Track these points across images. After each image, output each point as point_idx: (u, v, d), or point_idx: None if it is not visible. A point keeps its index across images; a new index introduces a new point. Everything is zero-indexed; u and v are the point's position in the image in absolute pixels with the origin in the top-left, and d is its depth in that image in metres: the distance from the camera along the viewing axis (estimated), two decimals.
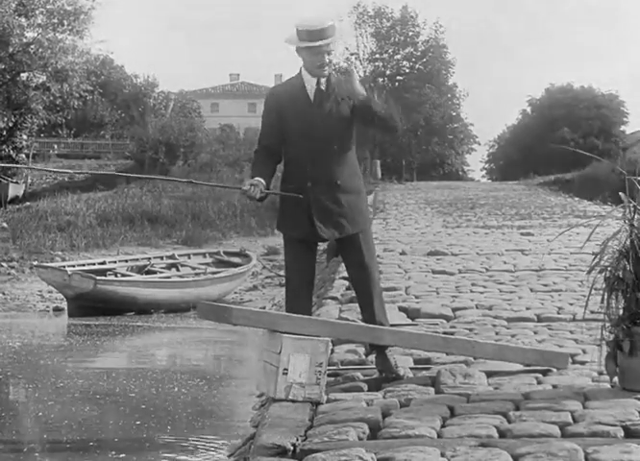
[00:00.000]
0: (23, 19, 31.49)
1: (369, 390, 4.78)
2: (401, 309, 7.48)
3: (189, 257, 19.55)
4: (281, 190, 5.08)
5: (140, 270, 18.19)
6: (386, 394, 4.61)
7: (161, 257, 19.41)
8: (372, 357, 5.58)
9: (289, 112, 4.98)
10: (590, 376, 4.83)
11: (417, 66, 59.47)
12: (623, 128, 52.19)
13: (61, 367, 10.09)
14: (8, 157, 32.26)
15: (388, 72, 60.38)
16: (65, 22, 31.87)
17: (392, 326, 6.33)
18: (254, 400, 6.14)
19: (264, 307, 14.23)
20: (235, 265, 18.82)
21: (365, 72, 60.25)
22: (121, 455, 5.67)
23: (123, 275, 17.62)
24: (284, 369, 4.50)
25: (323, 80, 4.97)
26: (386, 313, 5.20)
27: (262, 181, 4.92)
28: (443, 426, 3.91)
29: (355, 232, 5.02)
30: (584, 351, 5.51)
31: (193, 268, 18.90)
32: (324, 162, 4.97)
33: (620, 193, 4.50)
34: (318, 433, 3.87)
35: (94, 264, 17.92)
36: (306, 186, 4.96)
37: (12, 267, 21.29)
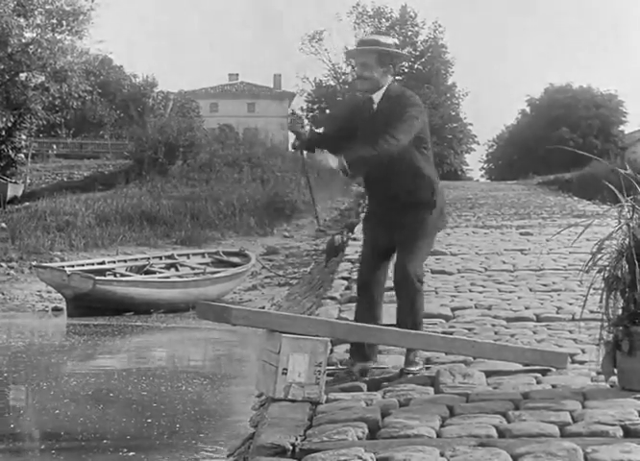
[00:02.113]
0: (22, 19, 31.44)
1: (368, 390, 4.78)
2: None
3: (188, 257, 19.55)
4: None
5: (139, 270, 18.19)
6: (386, 394, 4.61)
7: (160, 257, 19.41)
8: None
9: (353, 121, 5.28)
10: (589, 376, 4.83)
11: (416, 66, 59.52)
12: (622, 128, 52.25)
13: (61, 367, 10.10)
14: (7, 157, 32.23)
15: None
16: (64, 22, 31.83)
17: (392, 326, 6.35)
18: (253, 399, 6.13)
19: (263, 307, 14.22)
20: (235, 265, 18.82)
21: None
22: (120, 455, 5.67)
23: (122, 275, 17.61)
24: (284, 369, 4.50)
25: (376, 101, 5.14)
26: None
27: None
28: (442, 426, 3.91)
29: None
30: (583, 351, 5.51)
31: (192, 268, 18.90)
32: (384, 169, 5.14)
33: (617, 192, 4.50)
34: (317, 433, 3.87)
35: (93, 264, 17.92)
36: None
37: (12, 267, 21.28)
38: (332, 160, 4.86)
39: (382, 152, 4.89)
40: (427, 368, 5.26)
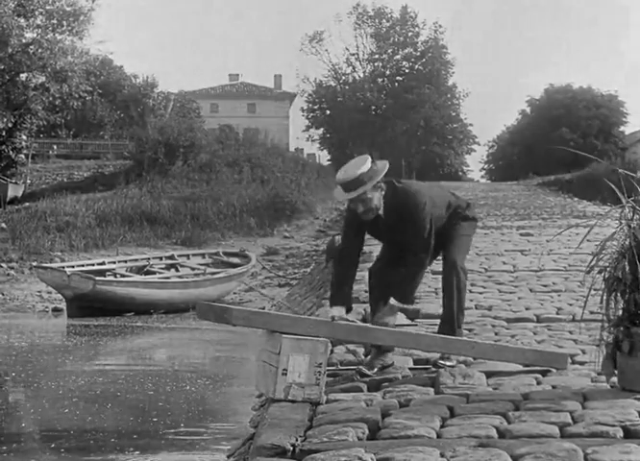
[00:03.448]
0: (22, 20, 31.43)
1: (369, 390, 4.78)
2: (400, 310, 7.46)
3: (188, 258, 19.55)
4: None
5: (139, 270, 18.18)
6: (386, 394, 4.61)
7: (161, 258, 19.41)
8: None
9: (368, 227, 5.39)
10: (589, 377, 4.83)
11: (417, 67, 59.47)
12: (622, 128, 52.21)
13: (61, 367, 10.10)
14: (7, 157, 32.22)
15: (388, 72, 60.38)
16: (65, 23, 31.81)
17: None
18: (253, 400, 6.13)
19: (264, 308, 14.22)
20: (235, 265, 18.82)
21: (365, 72, 60.28)
22: (120, 455, 5.67)
23: (122, 275, 17.61)
24: (284, 369, 4.50)
25: (360, 208, 5.20)
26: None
27: (342, 314, 5.10)
28: (442, 427, 3.91)
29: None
30: (584, 352, 5.51)
31: (192, 268, 18.89)
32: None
33: (618, 192, 4.50)
34: (317, 433, 3.87)
35: (93, 265, 17.92)
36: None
37: (12, 268, 21.27)
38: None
39: (418, 268, 5.30)
40: (427, 369, 5.26)
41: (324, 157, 57.12)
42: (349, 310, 5.18)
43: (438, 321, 6.92)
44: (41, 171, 34.25)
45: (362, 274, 10.10)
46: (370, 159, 5.25)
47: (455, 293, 5.38)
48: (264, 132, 43.69)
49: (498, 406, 4.18)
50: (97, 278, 16.26)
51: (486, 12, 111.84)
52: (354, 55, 60.03)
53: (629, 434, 3.71)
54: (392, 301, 5.22)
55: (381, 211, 5.25)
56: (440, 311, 7.28)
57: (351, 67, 60.54)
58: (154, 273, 18.25)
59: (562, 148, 29.53)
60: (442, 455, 3.48)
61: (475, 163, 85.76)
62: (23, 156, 33.19)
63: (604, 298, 4.43)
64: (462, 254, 5.58)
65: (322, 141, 60.52)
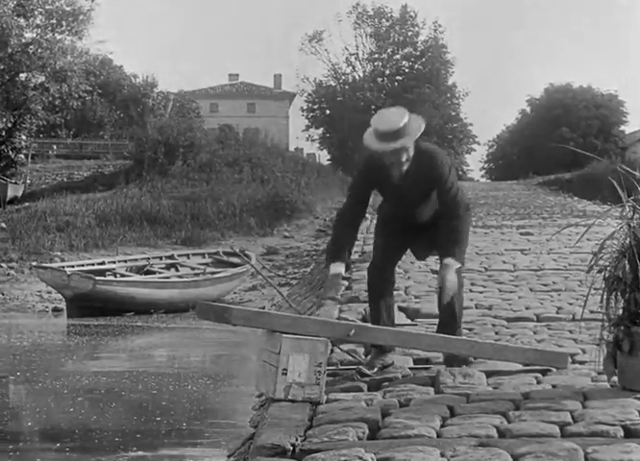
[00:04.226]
0: (22, 20, 31.44)
1: (369, 390, 4.78)
2: (400, 309, 7.47)
3: (188, 258, 19.54)
4: (378, 212, 5.60)
5: (139, 270, 18.18)
6: (386, 394, 4.61)
7: (161, 258, 19.40)
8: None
9: (381, 185, 5.24)
10: (589, 376, 4.82)
11: (416, 66, 59.43)
12: (622, 128, 52.21)
13: (61, 367, 10.10)
14: (7, 157, 32.23)
15: (387, 72, 60.34)
16: (64, 23, 31.82)
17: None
18: (253, 400, 6.13)
19: (264, 307, 14.22)
20: (235, 265, 18.81)
21: (365, 72, 60.26)
22: (120, 455, 5.67)
23: (122, 275, 17.61)
24: (284, 369, 4.49)
25: (403, 159, 5.07)
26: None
27: (342, 271, 5.10)
28: (443, 426, 3.91)
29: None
30: (584, 351, 5.51)
31: (192, 268, 18.89)
32: (413, 216, 5.30)
33: (619, 190, 4.50)
34: (318, 433, 3.86)
35: (93, 264, 17.92)
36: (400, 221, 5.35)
37: (12, 268, 21.28)
38: None
39: (466, 228, 5.21)
40: (427, 368, 5.25)
41: (324, 157, 57.15)
42: (348, 267, 5.14)
43: (438, 320, 6.96)
44: (41, 171, 34.26)
45: (362, 274, 10.11)
46: (407, 112, 5.13)
47: (455, 298, 5.28)
48: (264, 131, 43.70)
49: (498, 406, 4.18)
50: (97, 277, 16.26)
51: (486, 12, 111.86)
52: (353, 54, 60.01)
53: (630, 433, 3.71)
54: (448, 260, 5.06)
55: (404, 167, 5.12)
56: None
57: (351, 67, 60.53)
58: (154, 272, 18.25)
59: (562, 146, 29.50)
60: (442, 455, 3.48)
61: (475, 163, 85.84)
62: (23, 156, 33.20)
63: (605, 297, 4.43)
64: (463, 255, 5.47)
65: (322, 141, 60.50)
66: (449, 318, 5.33)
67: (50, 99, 32.82)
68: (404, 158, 5.05)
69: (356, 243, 13.96)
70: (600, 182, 22.51)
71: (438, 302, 5.33)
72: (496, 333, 6.35)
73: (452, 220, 5.13)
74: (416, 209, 5.27)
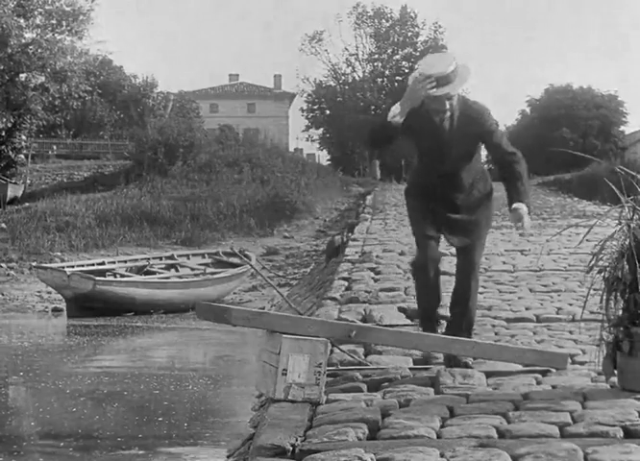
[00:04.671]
0: (22, 20, 31.46)
1: (368, 390, 4.78)
2: (400, 310, 7.48)
3: (188, 258, 19.54)
4: (411, 181, 5.42)
5: (139, 270, 18.18)
6: (386, 394, 4.61)
7: (160, 258, 19.41)
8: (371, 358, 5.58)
9: (421, 133, 5.07)
10: (589, 377, 4.82)
11: (416, 67, 59.43)
12: (622, 128, 52.18)
13: (61, 367, 10.10)
14: (7, 157, 32.23)
15: (387, 72, 60.34)
16: (64, 23, 31.85)
17: (392, 326, 6.36)
18: (253, 400, 6.13)
19: (264, 308, 14.22)
20: (235, 266, 18.81)
21: (364, 72, 60.27)
22: (120, 455, 5.67)
23: (122, 275, 17.61)
24: (284, 369, 4.50)
25: (447, 115, 5.00)
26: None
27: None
28: (442, 427, 3.91)
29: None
30: (583, 352, 5.51)
31: (192, 268, 18.89)
32: (451, 178, 5.14)
33: (618, 192, 4.50)
34: (317, 434, 3.86)
35: (93, 265, 17.92)
36: (434, 188, 5.19)
37: (12, 268, 21.28)
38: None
39: (524, 171, 5.11)
40: (427, 369, 5.25)
41: (323, 157, 57.15)
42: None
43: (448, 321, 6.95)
44: (41, 171, 34.27)
45: (362, 274, 10.13)
46: (455, 59, 5.03)
47: (472, 301, 5.24)
48: (264, 132, 43.72)
49: (498, 406, 4.18)
50: (97, 278, 16.26)
51: (486, 12, 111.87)
52: (353, 55, 60.00)
53: (630, 434, 3.71)
54: (517, 205, 4.98)
55: (447, 115, 5.01)
56: (440, 311, 7.30)
57: (350, 67, 60.52)
58: (154, 273, 18.24)
59: (561, 150, 29.50)
60: (442, 455, 3.48)
61: None
62: (23, 156, 33.21)
63: (604, 298, 4.43)
64: (482, 251, 5.39)
65: (322, 141, 60.49)
66: (466, 327, 5.26)
67: (50, 99, 32.84)
68: (447, 107, 4.93)
69: (356, 244, 14.06)
70: (599, 183, 22.53)
71: (452, 304, 5.29)
72: (496, 334, 6.35)
73: (513, 165, 5.05)
74: (456, 169, 5.09)
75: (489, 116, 5.08)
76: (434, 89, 4.85)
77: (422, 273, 5.33)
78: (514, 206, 5.00)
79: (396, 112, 4.97)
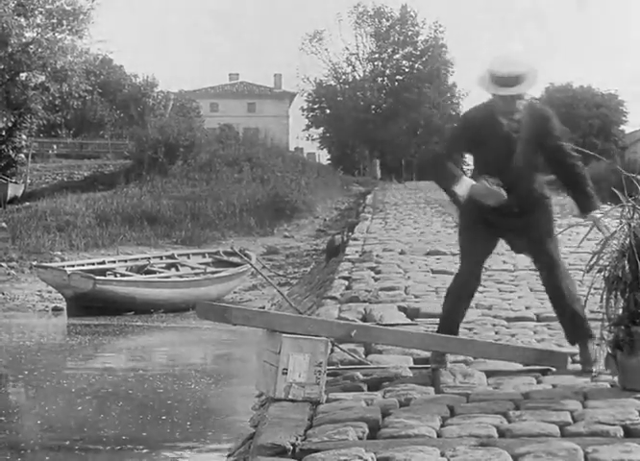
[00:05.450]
0: (22, 19, 31.43)
1: (369, 390, 4.78)
2: (400, 309, 7.48)
3: (189, 257, 19.53)
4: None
5: (140, 270, 18.17)
6: (386, 393, 4.61)
7: (161, 257, 19.39)
8: (371, 357, 5.59)
9: (484, 140, 4.97)
10: (589, 376, 4.82)
11: (416, 66, 59.43)
12: (622, 127, 52.18)
13: (64, 366, 10.11)
14: (7, 157, 32.22)
15: (388, 72, 60.36)
16: (65, 22, 31.83)
17: (392, 325, 6.35)
18: (253, 399, 6.13)
19: (264, 307, 14.22)
20: (235, 265, 18.80)
21: (365, 72, 60.28)
22: (120, 454, 5.67)
23: (122, 275, 17.60)
24: (284, 369, 4.50)
25: (516, 118, 4.93)
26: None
27: (469, 182, 4.89)
28: (443, 426, 3.91)
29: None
30: None
31: (192, 268, 18.88)
32: (514, 185, 5.02)
33: (618, 192, 4.50)
34: (318, 433, 3.86)
35: (93, 264, 17.91)
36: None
37: (12, 267, 21.27)
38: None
39: (587, 175, 5.03)
40: (427, 368, 5.25)
41: (324, 157, 57.17)
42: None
43: (438, 320, 6.95)
44: (41, 170, 34.25)
45: (362, 274, 10.13)
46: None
47: (570, 299, 4.98)
48: (264, 131, 43.70)
49: (498, 406, 4.18)
50: (97, 277, 16.25)
51: (486, 12, 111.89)
52: (354, 54, 60.03)
53: (630, 433, 3.71)
54: (595, 213, 4.89)
55: (516, 117, 4.92)
56: (440, 311, 7.30)
57: (351, 67, 60.54)
58: (154, 272, 18.24)
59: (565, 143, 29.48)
60: (442, 454, 3.48)
61: None
62: (23, 155, 33.19)
63: (605, 297, 4.43)
64: (557, 246, 5.16)
65: (322, 141, 60.52)
66: (575, 323, 5.05)
67: (50, 98, 32.83)
68: (519, 106, 4.88)
69: (356, 243, 14.07)
70: (600, 182, 22.45)
71: (557, 312, 5.20)
72: (496, 333, 6.35)
73: (575, 169, 5.00)
74: (519, 177, 5.00)
75: (556, 120, 5.05)
76: (510, 89, 4.79)
77: (461, 287, 5.19)
78: (592, 213, 4.94)
79: (462, 192, 4.91)
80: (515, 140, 4.95)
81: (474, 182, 4.88)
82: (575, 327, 5.05)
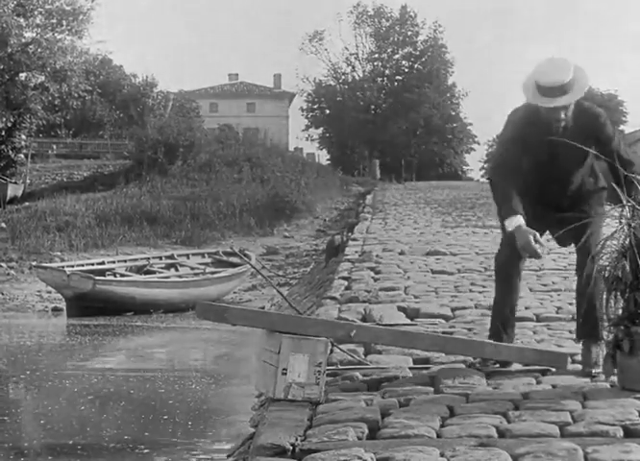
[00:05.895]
0: (22, 19, 31.45)
1: (368, 390, 4.77)
2: (400, 309, 7.47)
3: (188, 257, 19.54)
4: None
5: (139, 270, 18.18)
6: (385, 394, 4.61)
7: (160, 257, 19.41)
8: (371, 357, 5.59)
9: (533, 142, 4.86)
10: (589, 376, 4.82)
11: (416, 66, 59.48)
12: (622, 127, 52.24)
13: (61, 367, 10.10)
14: (7, 157, 32.23)
15: (387, 72, 60.41)
16: (64, 22, 31.85)
17: (392, 325, 6.35)
18: (253, 400, 6.13)
19: (263, 307, 14.22)
20: (234, 265, 18.81)
21: (364, 72, 60.29)
22: (120, 455, 5.67)
23: (122, 275, 17.61)
24: (284, 369, 4.49)
25: (562, 125, 4.78)
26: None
27: (522, 222, 4.72)
28: (442, 426, 3.91)
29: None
30: None
31: (192, 268, 18.89)
32: (562, 186, 4.91)
33: (618, 191, 4.49)
34: (317, 433, 3.86)
35: (93, 264, 17.92)
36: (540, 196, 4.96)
37: (11, 267, 21.28)
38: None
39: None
40: (426, 368, 5.24)
41: (323, 157, 57.20)
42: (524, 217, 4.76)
43: (438, 320, 6.96)
44: (41, 171, 34.26)
45: (362, 274, 10.13)
46: (572, 64, 4.75)
47: (595, 294, 4.67)
48: (264, 131, 43.73)
49: (498, 406, 4.18)
50: (97, 277, 16.26)
51: (486, 11, 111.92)
52: (353, 54, 60.08)
53: (630, 433, 3.70)
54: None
55: (562, 124, 4.75)
56: (440, 311, 7.31)
57: (350, 67, 60.60)
58: (153, 272, 18.25)
59: (565, 140, 29.49)
60: (442, 455, 3.48)
61: (474, 162, 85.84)
62: (23, 155, 33.20)
63: (604, 297, 4.43)
64: (598, 241, 4.90)
65: (321, 141, 60.58)
66: (589, 322, 4.91)
67: (50, 99, 32.85)
68: (562, 116, 4.72)
69: (356, 243, 14.06)
70: None
71: (577, 305, 5.05)
72: None
73: (625, 171, 4.58)
74: (568, 176, 4.85)
75: (606, 120, 4.86)
76: (555, 99, 4.64)
77: (505, 269, 5.07)
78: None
79: (509, 227, 4.78)
80: (561, 148, 4.75)
81: (523, 226, 4.71)
82: (586, 323, 4.96)
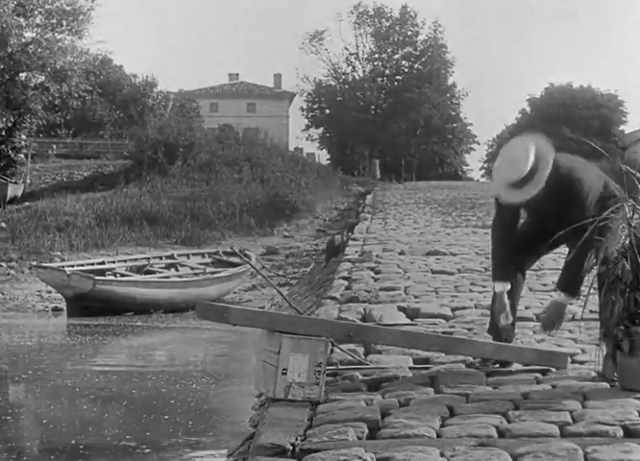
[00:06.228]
0: (22, 19, 31.42)
1: (368, 390, 4.78)
2: (400, 309, 7.48)
3: (188, 257, 19.53)
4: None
5: (139, 270, 18.17)
6: (385, 394, 4.61)
7: (160, 257, 19.39)
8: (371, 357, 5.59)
9: (513, 208, 5.07)
10: (589, 376, 4.82)
11: (416, 66, 59.46)
12: (622, 127, 52.22)
13: (61, 367, 10.10)
14: (7, 157, 32.21)
15: (387, 72, 60.38)
16: (64, 22, 31.82)
17: (391, 325, 6.35)
18: (253, 399, 6.13)
19: (263, 307, 14.22)
20: (234, 265, 18.80)
21: (364, 72, 60.28)
22: (120, 455, 5.67)
23: (122, 275, 17.60)
24: (284, 369, 4.50)
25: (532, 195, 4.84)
26: None
27: (507, 288, 5.17)
28: (442, 426, 3.91)
29: None
30: (583, 351, 5.52)
31: (192, 268, 18.88)
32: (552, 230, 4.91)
33: (619, 192, 4.49)
34: (317, 433, 3.87)
35: (93, 264, 17.90)
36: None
37: (11, 267, 21.26)
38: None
39: (588, 252, 4.66)
40: (426, 368, 5.25)
41: (323, 157, 57.17)
42: (511, 285, 5.15)
43: (438, 320, 6.96)
44: (41, 171, 34.24)
45: (362, 273, 10.13)
46: (532, 143, 4.82)
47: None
48: (264, 131, 43.72)
49: (498, 406, 4.18)
50: (97, 277, 16.24)
51: (486, 11, 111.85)
52: (353, 54, 60.05)
53: (630, 433, 3.71)
54: (556, 295, 5.03)
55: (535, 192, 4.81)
56: (440, 311, 7.31)
57: (351, 67, 60.58)
58: (154, 272, 18.23)
59: (569, 136, 29.46)
60: (442, 455, 3.48)
61: (474, 162, 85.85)
62: (23, 155, 33.18)
63: (602, 296, 4.43)
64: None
65: (322, 141, 60.55)
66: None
67: (50, 98, 32.82)
68: (534, 192, 4.79)
69: (356, 243, 14.06)
70: None
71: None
72: None
73: (580, 244, 4.56)
74: (560, 223, 4.80)
75: (582, 186, 4.85)
76: (518, 192, 4.79)
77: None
78: (552, 299, 5.15)
79: (496, 289, 5.22)
80: (541, 208, 4.99)
81: (505, 295, 5.13)
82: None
